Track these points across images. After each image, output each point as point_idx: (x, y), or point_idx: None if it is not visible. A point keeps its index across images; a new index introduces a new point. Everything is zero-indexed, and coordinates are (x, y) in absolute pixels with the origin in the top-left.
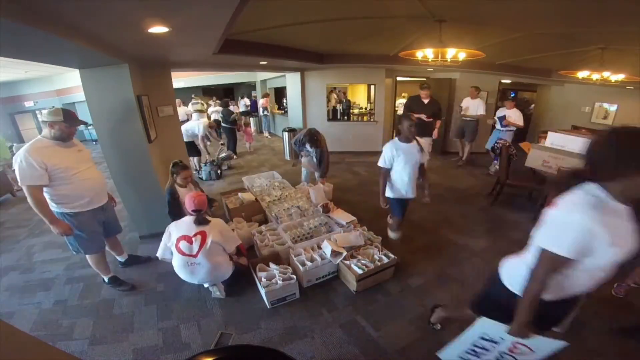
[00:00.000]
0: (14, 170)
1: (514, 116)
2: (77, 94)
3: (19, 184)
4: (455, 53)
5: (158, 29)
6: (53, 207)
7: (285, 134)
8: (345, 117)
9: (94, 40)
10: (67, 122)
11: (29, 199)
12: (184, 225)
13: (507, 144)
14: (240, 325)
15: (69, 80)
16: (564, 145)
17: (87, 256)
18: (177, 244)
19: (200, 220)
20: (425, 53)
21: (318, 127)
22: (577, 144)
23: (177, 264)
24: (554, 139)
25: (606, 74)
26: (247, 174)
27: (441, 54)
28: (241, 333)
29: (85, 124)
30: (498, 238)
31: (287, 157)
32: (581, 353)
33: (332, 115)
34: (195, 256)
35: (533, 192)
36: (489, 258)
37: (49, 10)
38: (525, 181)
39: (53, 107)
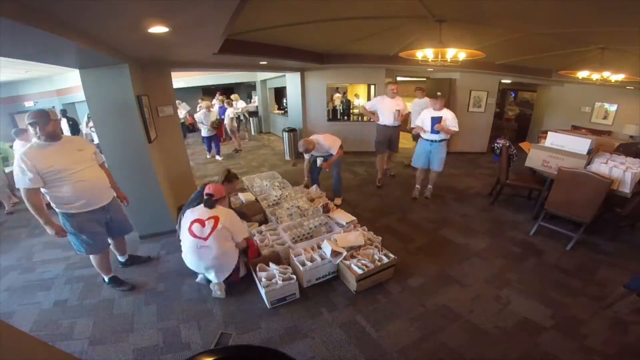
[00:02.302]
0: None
1: (451, 119)
2: (77, 94)
3: (15, 186)
4: (455, 53)
5: (158, 29)
6: (64, 207)
7: (285, 134)
8: (345, 117)
9: (94, 40)
10: (40, 120)
11: (25, 202)
12: (198, 210)
13: (507, 143)
14: (240, 325)
15: (69, 80)
16: (564, 145)
17: (90, 256)
18: (190, 227)
19: (210, 204)
20: (425, 53)
21: (318, 127)
22: (577, 144)
23: (187, 246)
24: (554, 139)
25: (606, 74)
26: (247, 174)
27: (441, 54)
28: (241, 333)
29: (65, 112)
30: (498, 238)
31: (287, 157)
32: (581, 353)
33: (332, 115)
34: (205, 239)
35: (533, 192)
36: (489, 258)
37: (49, 9)
38: (525, 181)
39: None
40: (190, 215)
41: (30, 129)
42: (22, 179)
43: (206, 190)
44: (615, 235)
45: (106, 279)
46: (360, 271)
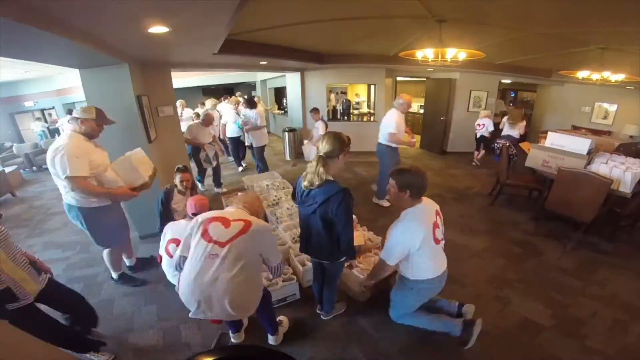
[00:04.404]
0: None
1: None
2: (77, 94)
3: (66, 174)
4: (455, 53)
5: (158, 29)
6: (92, 202)
7: (286, 134)
8: (345, 117)
9: (94, 40)
10: (97, 120)
11: (82, 190)
12: (178, 228)
13: (507, 143)
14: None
15: (69, 80)
16: (564, 145)
17: (110, 251)
18: (166, 246)
19: None
20: (425, 53)
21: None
22: (577, 144)
23: (165, 265)
24: (554, 139)
25: (606, 74)
26: (248, 174)
27: (441, 54)
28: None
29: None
30: (498, 238)
31: (288, 157)
32: (581, 353)
33: (332, 115)
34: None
35: (533, 192)
36: (489, 258)
37: (49, 9)
38: (525, 181)
39: (91, 105)
40: (169, 232)
41: (73, 122)
42: (79, 167)
43: (191, 210)
44: (615, 235)
45: (116, 276)
46: (361, 276)
